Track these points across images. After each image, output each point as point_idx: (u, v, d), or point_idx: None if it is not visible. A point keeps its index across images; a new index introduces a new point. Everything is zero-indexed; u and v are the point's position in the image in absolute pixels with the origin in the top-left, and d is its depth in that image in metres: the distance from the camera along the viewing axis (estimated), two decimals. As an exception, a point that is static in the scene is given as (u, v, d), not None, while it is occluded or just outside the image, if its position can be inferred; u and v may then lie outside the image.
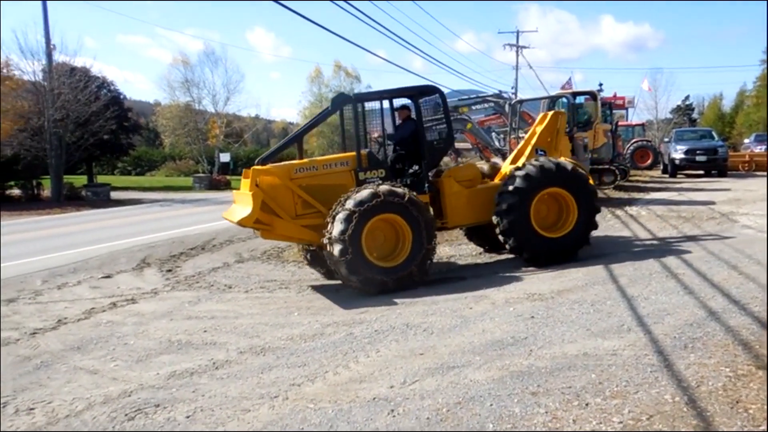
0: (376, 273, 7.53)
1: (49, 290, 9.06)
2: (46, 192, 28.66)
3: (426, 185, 8.60)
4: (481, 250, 10.48)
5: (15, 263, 11.26)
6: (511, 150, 16.79)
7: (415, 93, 8.86)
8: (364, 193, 7.52)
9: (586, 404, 4.09)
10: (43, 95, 27.61)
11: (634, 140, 31.25)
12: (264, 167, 7.94)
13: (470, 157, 17.17)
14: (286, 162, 8.67)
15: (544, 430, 3.81)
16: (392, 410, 4.24)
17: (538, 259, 8.56)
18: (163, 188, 37.27)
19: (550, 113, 10.06)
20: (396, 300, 7.38)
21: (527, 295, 7.06)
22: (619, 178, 19.23)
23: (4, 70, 27.80)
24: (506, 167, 9.41)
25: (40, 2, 27.52)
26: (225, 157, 43.23)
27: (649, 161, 29.77)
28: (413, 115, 8.88)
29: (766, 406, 3.93)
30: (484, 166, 10.01)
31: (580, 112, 17.77)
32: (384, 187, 7.63)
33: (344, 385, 4.82)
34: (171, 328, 6.82)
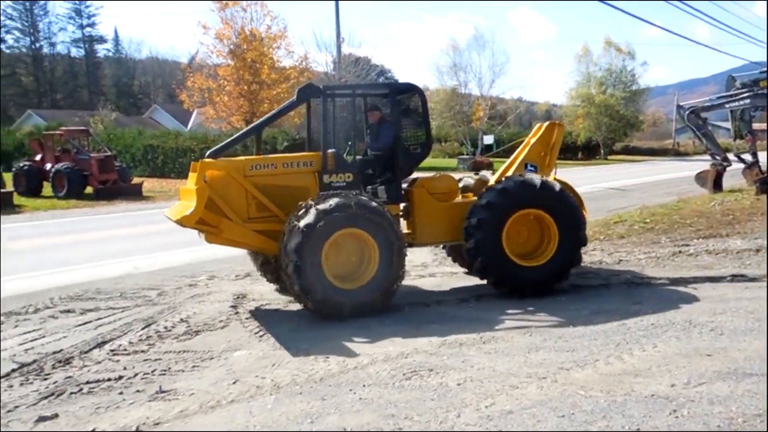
0: (334, 295, 6.35)
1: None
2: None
3: (398, 195, 7.47)
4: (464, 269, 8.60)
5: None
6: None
7: (391, 91, 7.72)
8: (332, 202, 6.36)
9: None
10: (333, 84, 31.09)
11: None
12: (213, 160, 6.87)
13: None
14: (241, 157, 7.68)
15: None
16: (674, 410, 3.90)
17: (504, 286, 7.25)
18: (429, 168, 39.14)
19: (545, 124, 8.58)
20: (666, 291, 6.74)
21: None
22: None
23: (304, 63, 31.84)
24: (493, 181, 7.98)
25: (333, 1, 30.87)
26: (488, 139, 43.87)
27: None
28: (388, 116, 7.76)
29: (765, 408, 3.73)
30: (470, 180, 8.47)
31: None
32: (357, 198, 6.51)
33: (617, 377, 4.58)
34: (441, 300, 7.19)
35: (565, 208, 7.23)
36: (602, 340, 5.49)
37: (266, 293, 7.76)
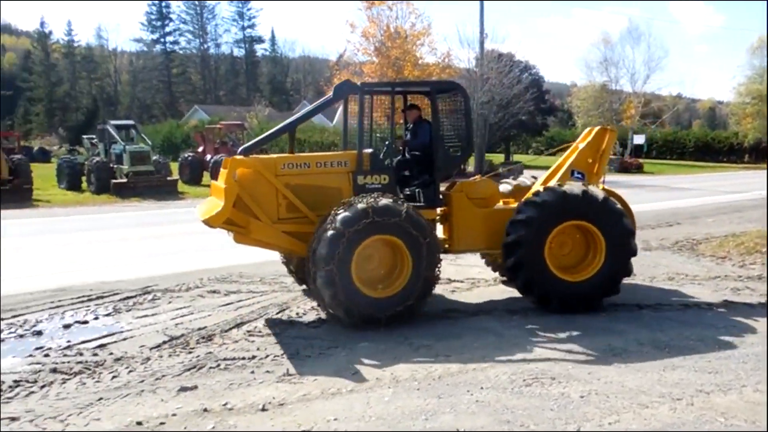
0: (365, 306, 5.99)
1: (466, 256, 10.13)
2: (470, 167, 32.13)
3: (436, 199, 6.97)
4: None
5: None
6: None
7: (433, 89, 7.17)
8: (383, 202, 6.03)
9: None
10: (474, 80, 30.84)
11: None
12: (244, 158, 6.54)
13: None
14: (273, 155, 7.33)
15: None
16: (833, 452, 3.45)
17: (549, 303, 6.64)
18: (573, 169, 37.63)
19: (596, 128, 7.85)
20: None
21: None
22: None
23: (446, 60, 31.87)
24: (537, 187, 7.34)
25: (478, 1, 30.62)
26: (639, 139, 41.26)
27: None
28: (427, 115, 7.27)
29: (766, 406, 3.73)
30: (526, 180, 7.90)
31: None
32: (408, 209, 6.09)
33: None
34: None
35: (611, 219, 6.64)
36: (753, 363, 4.98)
37: (394, 287, 7.90)
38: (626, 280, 8.15)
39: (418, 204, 6.66)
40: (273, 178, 6.46)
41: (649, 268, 8.93)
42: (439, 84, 8.00)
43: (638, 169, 36.18)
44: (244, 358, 5.31)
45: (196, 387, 4.71)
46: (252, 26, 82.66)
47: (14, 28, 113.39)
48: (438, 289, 7.73)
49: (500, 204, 7.41)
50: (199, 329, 6.12)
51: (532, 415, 4.16)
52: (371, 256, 6.18)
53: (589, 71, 44.50)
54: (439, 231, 7.12)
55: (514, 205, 7.12)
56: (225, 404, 4.40)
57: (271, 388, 4.71)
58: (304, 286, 7.50)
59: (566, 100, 54.28)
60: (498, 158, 38.42)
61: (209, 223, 6.12)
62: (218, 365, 5.17)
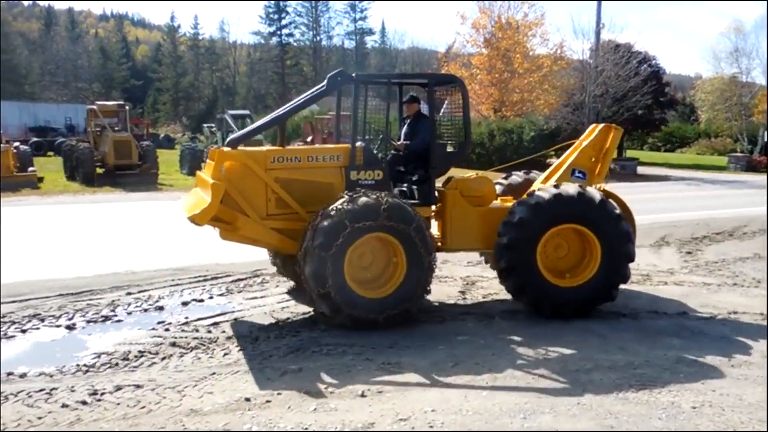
0: (356, 305, 5.71)
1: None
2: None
3: (432, 197, 6.70)
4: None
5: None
6: None
7: (430, 81, 6.99)
8: (396, 204, 5.80)
9: None
10: (588, 72, 29.60)
11: None
12: (232, 151, 6.16)
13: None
14: (262, 148, 6.95)
15: None
16: None
17: (542, 308, 6.32)
18: (693, 166, 35.40)
19: (600, 126, 7.44)
20: None
21: None
22: None
23: (558, 52, 30.87)
24: (537, 185, 7.12)
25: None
26: (772, 136, 37.89)
27: None
28: (424, 109, 7.07)
29: (765, 404, 3.77)
30: (517, 178, 7.74)
31: None
32: (419, 218, 5.91)
33: None
34: (684, 312, 6.52)
35: (608, 222, 6.23)
36: None
37: (494, 283, 7.80)
38: (753, 288, 7.64)
39: (413, 201, 6.48)
40: (262, 172, 6.18)
41: (776, 276, 8.28)
42: (436, 77, 7.81)
43: (769, 168, 33.31)
44: (345, 345, 5.46)
45: (300, 369, 4.91)
46: (363, 18, 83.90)
47: (148, 23, 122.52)
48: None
49: (497, 202, 7.13)
50: (304, 314, 6.37)
51: (637, 422, 3.99)
52: (364, 254, 5.96)
53: (717, 62, 41.29)
54: (434, 228, 6.90)
55: (510, 203, 6.80)
56: (326, 387, 4.57)
57: (371, 375, 4.82)
58: (292, 284, 7.37)
59: (689, 93, 50.87)
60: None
61: (194, 220, 5.80)
62: (321, 350, 5.35)
